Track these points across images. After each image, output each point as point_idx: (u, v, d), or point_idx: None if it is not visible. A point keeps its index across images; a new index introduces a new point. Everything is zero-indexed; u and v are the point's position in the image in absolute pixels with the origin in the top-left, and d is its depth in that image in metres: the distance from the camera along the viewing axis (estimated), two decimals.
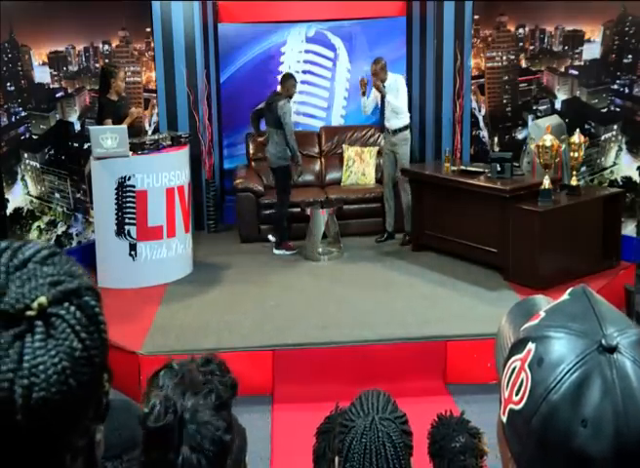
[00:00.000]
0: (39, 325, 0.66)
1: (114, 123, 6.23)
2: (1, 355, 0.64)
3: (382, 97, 6.97)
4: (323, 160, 8.11)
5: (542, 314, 0.85)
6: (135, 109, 6.75)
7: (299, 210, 7.13)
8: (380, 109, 7.08)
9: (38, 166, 6.56)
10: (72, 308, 0.69)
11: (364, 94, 7.06)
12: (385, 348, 5.03)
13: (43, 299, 0.67)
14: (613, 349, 0.77)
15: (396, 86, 6.97)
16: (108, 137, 5.88)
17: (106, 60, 7.24)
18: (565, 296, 0.86)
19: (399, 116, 7.00)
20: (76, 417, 0.69)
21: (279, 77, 7.36)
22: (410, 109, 7.27)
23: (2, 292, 0.66)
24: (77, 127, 7.00)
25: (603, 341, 0.77)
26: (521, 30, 7.41)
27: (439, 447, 2.27)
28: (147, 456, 1.48)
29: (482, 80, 7.68)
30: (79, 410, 0.69)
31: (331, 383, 4.78)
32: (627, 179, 6.69)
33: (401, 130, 7.02)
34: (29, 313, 0.66)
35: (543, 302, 0.93)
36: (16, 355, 0.64)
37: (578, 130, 6.05)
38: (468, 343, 5.03)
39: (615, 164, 6.80)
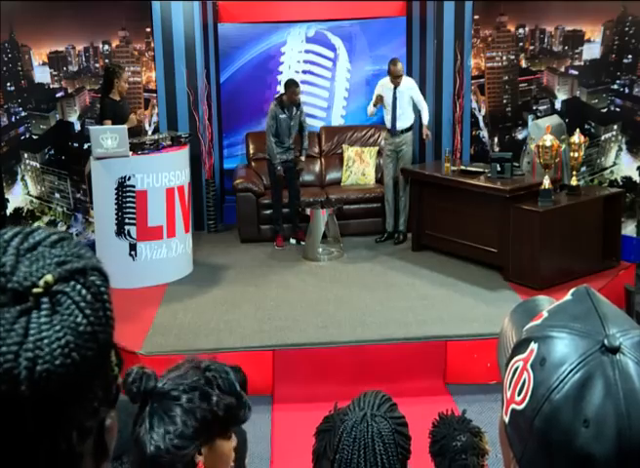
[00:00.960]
0: (45, 301, 0.69)
1: (114, 123, 6.22)
2: (7, 329, 0.66)
3: (394, 100, 7.01)
4: (323, 160, 8.11)
5: (545, 314, 0.85)
6: (134, 116, 6.73)
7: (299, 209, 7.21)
8: (392, 110, 7.07)
9: (38, 166, 6.56)
10: (78, 286, 0.71)
11: (376, 105, 7.13)
12: (385, 348, 5.03)
13: (49, 277, 0.69)
14: (615, 350, 0.76)
15: (412, 88, 7.09)
16: (108, 137, 5.88)
17: (111, 61, 7.26)
18: (568, 297, 0.86)
19: (409, 116, 7.09)
20: (81, 393, 0.71)
21: (282, 82, 7.47)
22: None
23: (11, 271, 0.69)
24: (77, 127, 7.00)
25: (606, 342, 0.77)
26: (521, 30, 7.41)
27: (440, 446, 2.27)
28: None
29: (482, 80, 7.68)
30: (84, 387, 0.71)
31: (331, 383, 4.78)
32: (627, 179, 6.70)
33: (408, 129, 7.10)
34: (36, 290, 0.68)
35: (546, 302, 0.93)
36: (21, 329, 0.67)
37: (578, 130, 6.05)
38: (468, 343, 5.03)
39: (615, 164, 6.80)
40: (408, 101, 7.04)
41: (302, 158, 7.28)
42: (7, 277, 0.68)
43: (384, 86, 7.14)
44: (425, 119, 7.10)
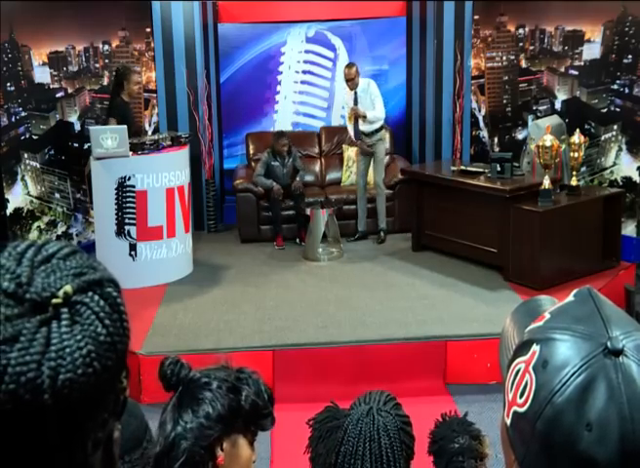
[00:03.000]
0: (65, 312, 0.69)
1: (119, 124, 6.24)
2: (29, 338, 0.67)
3: (355, 105, 7.04)
4: (323, 160, 8.11)
5: (547, 316, 0.84)
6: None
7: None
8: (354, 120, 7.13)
9: (38, 166, 6.56)
10: (96, 297, 0.72)
11: (351, 119, 7.15)
12: (385, 348, 5.03)
13: (68, 288, 0.70)
14: (618, 352, 0.76)
15: (369, 90, 7.04)
16: (108, 137, 5.88)
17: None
18: (570, 298, 0.85)
19: (374, 109, 7.05)
20: (98, 404, 0.72)
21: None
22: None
23: (28, 282, 0.69)
24: (77, 127, 7.00)
25: (608, 344, 0.76)
26: (521, 30, 7.41)
27: (438, 446, 2.27)
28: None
29: (482, 80, 7.68)
30: (101, 397, 0.72)
31: (331, 383, 4.78)
32: (627, 179, 6.70)
33: (377, 131, 7.09)
34: (55, 301, 0.69)
35: (548, 303, 0.93)
36: (43, 339, 0.67)
37: (578, 130, 6.05)
38: (468, 343, 5.03)
39: (615, 164, 6.80)
40: (370, 103, 7.01)
41: (297, 179, 7.30)
42: (24, 287, 0.69)
43: (346, 97, 7.24)
44: (370, 115, 6.96)
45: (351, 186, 7.77)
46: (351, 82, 6.99)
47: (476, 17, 7.54)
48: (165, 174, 6.15)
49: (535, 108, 7.36)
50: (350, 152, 7.94)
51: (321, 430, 1.88)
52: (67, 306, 0.70)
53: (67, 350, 0.68)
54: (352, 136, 7.21)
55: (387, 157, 7.28)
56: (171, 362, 1.61)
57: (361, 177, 7.21)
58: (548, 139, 5.78)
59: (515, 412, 0.81)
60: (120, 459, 1.58)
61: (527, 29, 7.37)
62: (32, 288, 0.69)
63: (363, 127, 7.06)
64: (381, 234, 7.23)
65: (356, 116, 7.03)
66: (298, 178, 7.31)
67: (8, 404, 0.65)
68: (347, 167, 7.93)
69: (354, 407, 1.84)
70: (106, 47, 7.32)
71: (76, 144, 6.94)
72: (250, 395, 1.61)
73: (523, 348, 0.83)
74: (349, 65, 7.07)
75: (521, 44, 7.44)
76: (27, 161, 6.43)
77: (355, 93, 7.04)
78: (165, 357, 1.64)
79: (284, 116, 8.36)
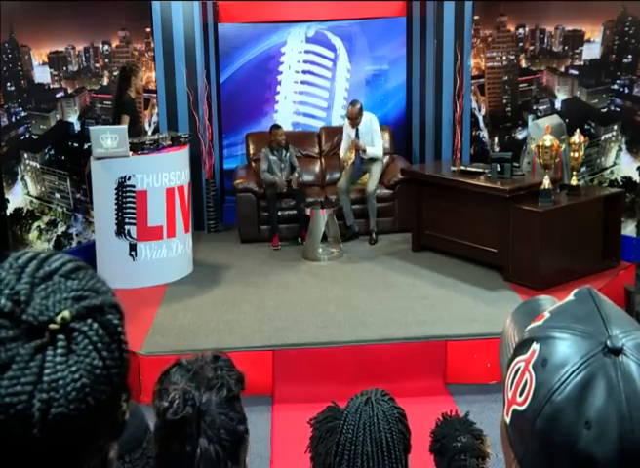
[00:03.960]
0: (61, 339, 0.66)
1: (131, 120, 6.34)
2: (22, 367, 0.64)
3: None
4: (323, 160, 8.11)
5: (547, 315, 0.85)
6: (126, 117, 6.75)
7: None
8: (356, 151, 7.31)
9: (38, 166, 6.55)
10: (95, 325, 0.69)
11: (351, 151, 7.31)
12: (385, 348, 5.03)
13: (67, 313, 0.67)
14: (618, 351, 0.76)
15: (371, 127, 7.23)
16: (108, 137, 5.88)
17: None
18: (570, 297, 0.85)
19: (374, 145, 7.28)
20: (91, 436, 0.69)
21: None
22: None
23: (26, 301, 0.66)
24: (77, 127, 7.00)
25: (608, 343, 0.77)
26: (521, 30, 7.41)
27: (440, 445, 2.27)
28: (163, 449, 1.51)
29: (482, 80, 7.67)
30: (94, 429, 0.69)
31: (331, 383, 4.78)
32: (627, 179, 6.69)
33: (376, 158, 7.31)
34: (52, 326, 0.66)
35: (549, 303, 0.93)
36: (36, 368, 0.64)
37: (578, 130, 6.05)
38: (468, 343, 5.03)
39: (615, 164, 6.80)
40: (370, 140, 7.22)
41: (295, 175, 7.33)
42: (21, 307, 0.66)
43: (347, 128, 7.37)
44: (370, 151, 7.19)
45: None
46: (353, 121, 7.20)
47: (476, 17, 7.54)
48: (165, 174, 6.15)
49: (535, 108, 7.36)
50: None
51: (321, 430, 1.89)
52: (65, 333, 0.66)
53: (61, 382, 0.65)
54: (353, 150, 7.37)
55: (378, 173, 7.35)
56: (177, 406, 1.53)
57: (345, 182, 7.30)
58: (548, 139, 5.78)
59: (515, 411, 0.82)
60: (120, 459, 1.58)
61: (527, 29, 7.37)
62: (30, 309, 0.66)
63: (363, 155, 7.27)
64: (373, 235, 7.26)
65: (357, 149, 7.21)
66: (295, 175, 7.31)
67: None
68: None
69: (352, 399, 1.87)
70: (106, 47, 7.32)
71: (76, 144, 6.93)
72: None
73: (523, 347, 0.83)
74: (353, 103, 7.26)
75: (521, 44, 7.44)
76: (27, 161, 6.43)
77: (357, 129, 7.23)
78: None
79: (284, 116, 8.36)
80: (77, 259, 0.74)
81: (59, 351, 0.66)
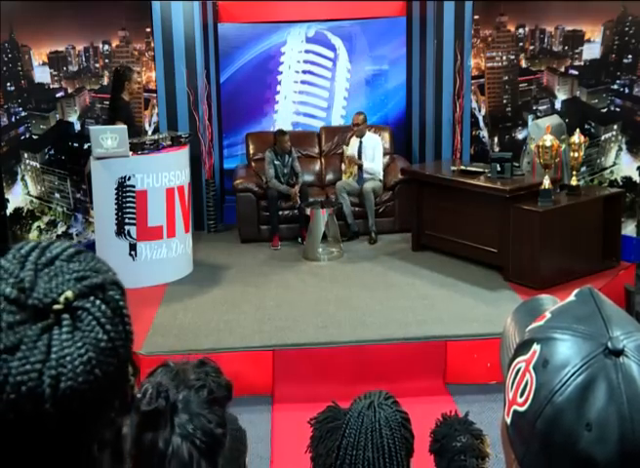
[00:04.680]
0: (66, 318, 0.69)
1: (125, 124, 6.30)
2: (30, 347, 0.67)
3: (359, 151, 7.39)
4: (323, 160, 8.11)
5: (548, 315, 0.84)
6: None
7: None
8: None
9: (38, 166, 6.56)
10: (97, 302, 0.72)
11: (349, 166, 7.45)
12: (385, 348, 5.03)
13: (69, 293, 0.70)
14: (619, 352, 0.76)
15: (373, 145, 7.40)
16: (108, 137, 5.88)
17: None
18: (571, 298, 0.85)
19: (375, 170, 7.39)
20: (102, 408, 0.72)
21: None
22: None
23: (30, 287, 0.69)
24: (77, 127, 7.00)
25: (609, 344, 0.76)
26: (521, 30, 7.41)
27: (440, 445, 2.27)
28: (138, 445, 1.50)
29: (482, 80, 7.67)
30: (105, 401, 0.72)
31: (331, 383, 4.78)
32: (627, 179, 6.70)
33: (379, 180, 7.40)
34: (56, 307, 0.69)
35: (550, 302, 0.93)
36: (44, 347, 0.67)
37: (578, 130, 6.05)
38: (468, 343, 5.03)
39: (615, 164, 6.80)
40: (372, 155, 7.33)
41: (297, 186, 7.32)
42: (26, 293, 0.69)
43: (351, 137, 7.52)
44: (367, 165, 7.31)
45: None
46: (357, 127, 7.35)
47: (476, 17, 7.54)
48: (165, 173, 6.15)
49: (535, 108, 7.36)
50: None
51: (321, 430, 1.89)
52: (69, 312, 0.69)
53: (68, 358, 0.68)
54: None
55: (374, 184, 7.39)
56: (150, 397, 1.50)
57: (342, 186, 7.35)
58: (548, 139, 5.78)
59: (515, 412, 0.81)
60: None
61: (527, 29, 7.37)
62: (34, 293, 0.69)
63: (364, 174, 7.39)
64: (372, 235, 7.26)
65: (354, 163, 7.37)
66: (298, 186, 7.30)
67: (9, 413, 0.65)
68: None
69: (355, 402, 1.86)
70: (106, 47, 7.32)
71: (76, 144, 6.94)
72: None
73: (523, 347, 0.83)
74: (359, 113, 7.49)
75: (521, 44, 7.44)
76: (27, 161, 6.43)
77: (361, 142, 7.37)
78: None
79: (284, 116, 8.36)
80: (77, 245, 0.78)
81: (64, 329, 0.69)
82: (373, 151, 7.36)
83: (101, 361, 0.70)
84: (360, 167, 7.36)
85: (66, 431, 0.68)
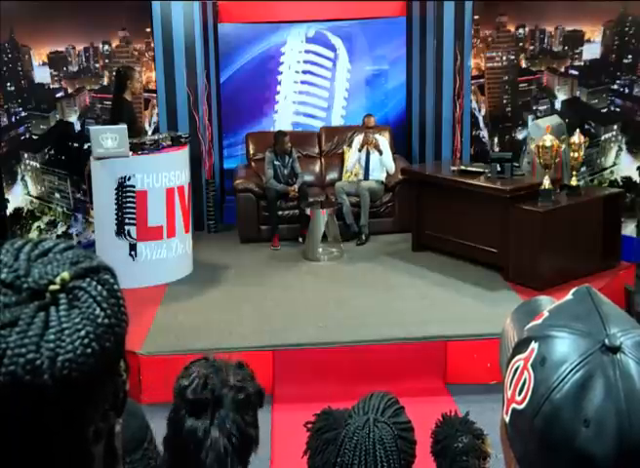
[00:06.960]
0: (63, 297, 0.71)
1: (128, 126, 6.29)
2: (27, 322, 0.68)
3: (367, 154, 7.37)
4: (323, 160, 8.11)
5: (546, 314, 0.85)
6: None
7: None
8: (365, 163, 7.41)
9: (38, 166, 6.56)
10: (93, 282, 0.74)
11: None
12: (385, 348, 5.03)
13: (65, 274, 0.71)
14: (616, 349, 0.76)
15: (386, 146, 7.39)
16: (108, 137, 5.88)
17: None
18: (569, 296, 0.86)
19: (384, 171, 7.38)
20: (98, 390, 0.73)
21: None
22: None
23: (25, 274, 0.70)
24: (77, 127, 7.00)
25: (606, 341, 0.77)
26: (521, 30, 7.41)
27: (441, 446, 2.27)
28: (177, 432, 1.54)
29: (482, 80, 7.68)
30: (101, 382, 0.73)
31: (331, 383, 4.78)
32: (627, 179, 6.70)
33: (381, 182, 7.38)
34: (53, 287, 0.70)
35: (548, 303, 0.93)
36: (41, 323, 0.69)
37: (578, 130, 6.05)
38: (468, 343, 5.03)
39: (615, 164, 6.81)
40: (379, 158, 7.32)
41: (296, 186, 7.31)
42: (21, 279, 0.70)
43: (357, 146, 7.48)
44: (386, 154, 7.31)
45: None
46: (369, 130, 7.35)
47: (476, 17, 7.54)
48: (165, 174, 6.15)
49: (535, 108, 7.36)
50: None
51: (318, 441, 1.87)
52: (65, 292, 0.71)
53: (66, 332, 0.69)
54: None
55: (374, 185, 7.41)
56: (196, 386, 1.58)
57: (344, 182, 7.40)
58: (548, 139, 5.78)
59: (514, 410, 0.82)
60: (122, 459, 1.58)
61: (527, 29, 7.37)
62: (30, 278, 0.70)
63: (373, 174, 7.37)
64: (363, 236, 7.22)
65: (370, 144, 7.30)
66: (297, 185, 7.29)
67: (8, 386, 0.66)
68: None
69: (352, 416, 1.82)
70: (106, 47, 7.32)
71: (76, 144, 6.94)
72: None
73: (522, 346, 0.84)
74: (368, 115, 7.50)
75: (521, 44, 7.44)
76: (27, 161, 6.44)
77: (368, 151, 7.36)
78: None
79: (284, 116, 8.36)
80: (69, 241, 0.81)
81: (62, 307, 0.70)
82: (385, 150, 7.36)
83: (99, 335, 0.71)
84: (367, 165, 7.33)
85: (63, 406, 0.69)
